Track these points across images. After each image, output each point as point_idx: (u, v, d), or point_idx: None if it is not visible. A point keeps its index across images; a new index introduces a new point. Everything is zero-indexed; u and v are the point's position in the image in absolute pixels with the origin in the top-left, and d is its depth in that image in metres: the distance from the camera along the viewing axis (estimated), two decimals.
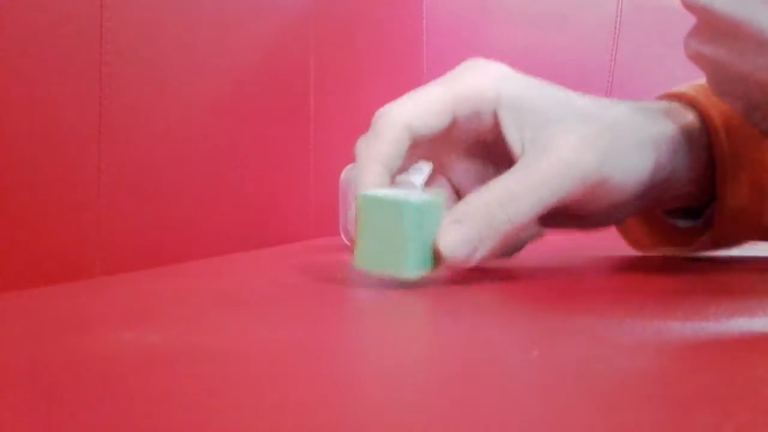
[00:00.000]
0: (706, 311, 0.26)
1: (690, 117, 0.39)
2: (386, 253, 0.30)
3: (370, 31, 0.85)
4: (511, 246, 0.37)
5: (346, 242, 0.55)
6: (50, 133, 0.39)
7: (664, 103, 0.41)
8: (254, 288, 0.34)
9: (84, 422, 0.14)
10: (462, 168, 0.38)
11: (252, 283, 0.37)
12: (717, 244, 0.42)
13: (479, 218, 0.32)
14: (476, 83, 0.35)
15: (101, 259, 0.42)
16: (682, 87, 0.42)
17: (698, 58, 0.35)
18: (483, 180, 0.35)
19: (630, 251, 0.48)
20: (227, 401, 0.15)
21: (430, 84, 0.36)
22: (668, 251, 0.45)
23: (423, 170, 0.42)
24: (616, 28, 0.94)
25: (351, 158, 0.57)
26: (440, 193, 0.35)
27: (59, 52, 0.40)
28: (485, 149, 0.37)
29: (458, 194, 0.38)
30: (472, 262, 0.32)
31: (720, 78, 0.34)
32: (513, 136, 0.35)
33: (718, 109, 0.39)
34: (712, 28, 0.33)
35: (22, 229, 0.37)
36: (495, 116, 0.35)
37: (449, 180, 0.38)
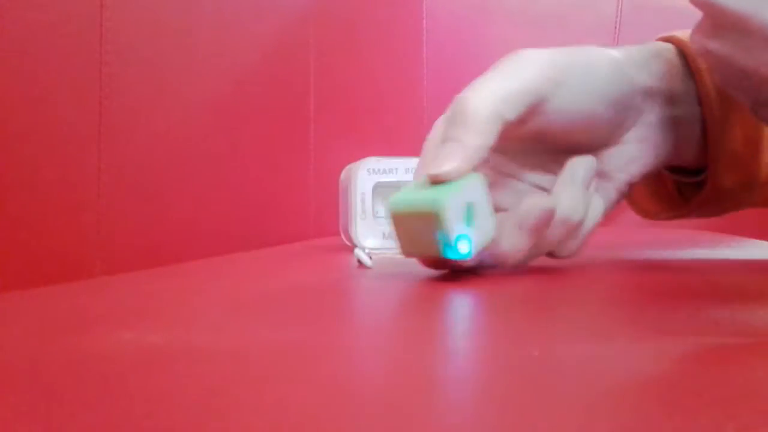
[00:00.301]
0: (706, 311, 0.26)
1: (673, 53, 0.40)
2: (425, 245, 0.32)
3: (370, 31, 0.85)
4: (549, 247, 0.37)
5: (346, 242, 0.55)
6: (50, 133, 0.39)
7: (656, 44, 0.41)
8: (254, 288, 0.34)
9: (84, 422, 0.14)
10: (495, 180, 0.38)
11: (252, 283, 0.37)
12: (717, 198, 0.41)
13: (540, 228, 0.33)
14: (535, 73, 0.35)
15: (101, 259, 0.42)
16: (672, 32, 0.42)
17: (704, 54, 0.35)
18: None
19: (629, 251, 0.49)
20: (227, 401, 0.15)
21: (496, 71, 0.35)
22: (673, 215, 0.45)
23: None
24: (616, 28, 0.94)
25: (351, 158, 0.57)
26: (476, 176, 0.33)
27: (59, 52, 0.40)
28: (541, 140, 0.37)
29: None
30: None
31: (726, 73, 0.35)
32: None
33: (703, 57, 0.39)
34: (717, 24, 0.33)
35: (22, 229, 0.37)
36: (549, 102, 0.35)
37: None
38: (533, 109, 0.35)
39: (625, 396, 0.16)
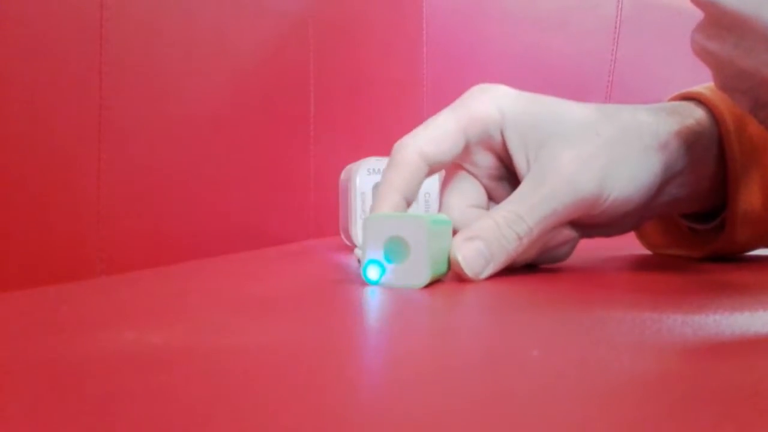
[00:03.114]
0: (706, 311, 0.26)
1: (699, 113, 0.40)
2: (394, 268, 0.32)
3: (370, 32, 0.85)
4: (549, 256, 0.39)
5: (346, 242, 0.55)
6: (50, 133, 0.39)
7: (673, 103, 0.41)
8: (254, 288, 0.34)
9: (84, 422, 0.14)
10: (487, 183, 0.40)
11: (252, 283, 0.37)
12: (730, 248, 0.42)
13: (491, 236, 0.34)
14: (483, 107, 0.37)
15: (101, 259, 0.42)
16: (695, 87, 0.42)
17: (704, 54, 0.35)
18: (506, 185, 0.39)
19: (629, 250, 0.49)
20: (227, 401, 0.15)
21: (440, 113, 0.38)
22: (681, 252, 0.46)
23: (434, 176, 0.43)
24: (616, 28, 0.94)
25: (351, 158, 0.57)
26: (446, 217, 0.37)
27: (59, 53, 0.40)
28: (502, 165, 0.39)
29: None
30: (483, 276, 0.34)
31: (726, 74, 0.34)
32: (518, 155, 0.37)
33: (728, 108, 0.39)
34: (718, 24, 0.33)
35: (22, 229, 0.37)
36: (502, 136, 0.37)
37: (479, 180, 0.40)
38: (482, 142, 0.38)
39: (625, 396, 0.16)
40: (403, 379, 0.17)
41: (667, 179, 0.38)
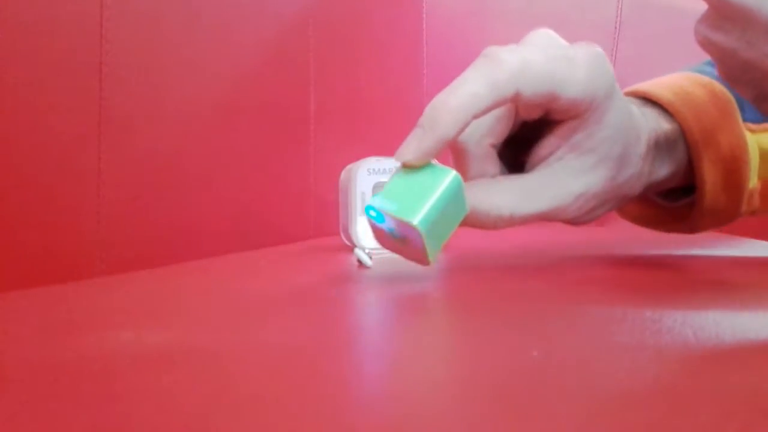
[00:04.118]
0: (705, 311, 0.26)
1: (671, 125, 0.41)
2: (409, 200, 0.31)
3: (370, 32, 0.85)
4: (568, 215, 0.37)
5: (346, 242, 0.55)
6: (50, 133, 0.39)
7: (650, 110, 0.41)
8: (254, 288, 0.34)
9: (83, 422, 0.14)
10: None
11: (252, 283, 0.37)
12: (705, 222, 0.43)
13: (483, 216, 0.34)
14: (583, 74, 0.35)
15: (101, 259, 0.42)
16: (655, 89, 0.42)
17: (708, 45, 0.35)
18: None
19: (627, 251, 0.48)
20: (227, 401, 0.15)
21: (469, 73, 0.35)
22: (665, 228, 0.46)
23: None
24: (616, 28, 0.94)
25: (351, 158, 0.57)
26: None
27: (59, 52, 0.40)
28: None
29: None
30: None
31: (730, 66, 0.35)
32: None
33: (693, 115, 0.40)
34: (722, 16, 0.33)
35: (22, 229, 0.37)
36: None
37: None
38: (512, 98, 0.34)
39: (625, 396, 0.16)
40: (403, 379, 0.17)
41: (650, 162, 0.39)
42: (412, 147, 0.32)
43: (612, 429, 0.13)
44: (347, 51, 0.80)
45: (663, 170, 0.41)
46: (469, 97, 0.33)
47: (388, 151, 0.37)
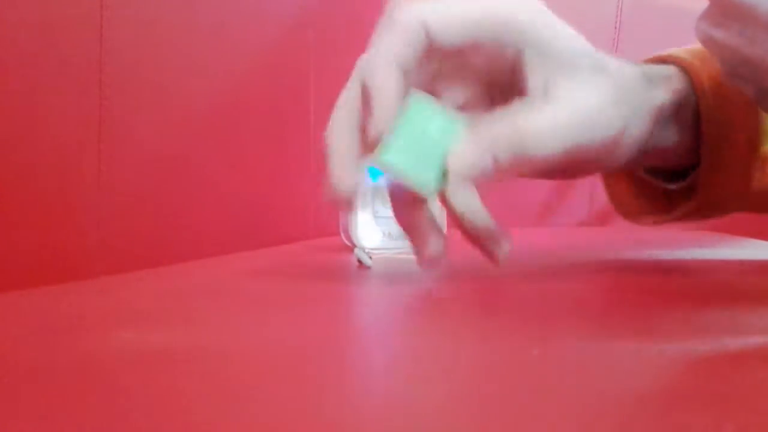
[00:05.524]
0: (706, 311, 0.26)
1: (682, 84, 0.39)
2: (413, 157, 0.30)
3: (371, 32, 0.85)
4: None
5: (346, 242, 0.55)
6: (50, 133, 0.39)
7: (664, 69, 0.40)
8: (254, 288, 0.34)
9: (84, 422, 0.14)
10: (460, 96, 0.35)
11: (252, 284, 0.37)
12: (702, 211, 0.41)
13: (486, 145, 0.31)
14: (507, 10, 0.32)
15: (101, 259, 0.42)
16: (677, 51, 0.41)
17: (709, 42, 0.35)
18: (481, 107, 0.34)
19: (627, 251, 0.49)
20: (227, 401, 0.15)
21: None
22: (654, 219, 0.44)
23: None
24: (616, 28, 0.94)
25: None
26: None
27: (59, 53, 0.40)
28: (490, 79, 0.35)
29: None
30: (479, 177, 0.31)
31: (731, 62, 0.35)
32: (534, 77, 0.32)
33: (708, 73, 0.38)
34: (723, 12, 0.33)
35: (22, 229, 0.37)
36: (517, 51, 0.33)
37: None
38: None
39: (625, 395, 0.16)
40: (404, 378, 0.17)
41: (640, 147, 0.36)
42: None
43: (612, 429, 0.13)
44: (347, 51, 0.80)
45: (666, 135, 0.38)
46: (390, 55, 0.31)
47: None
